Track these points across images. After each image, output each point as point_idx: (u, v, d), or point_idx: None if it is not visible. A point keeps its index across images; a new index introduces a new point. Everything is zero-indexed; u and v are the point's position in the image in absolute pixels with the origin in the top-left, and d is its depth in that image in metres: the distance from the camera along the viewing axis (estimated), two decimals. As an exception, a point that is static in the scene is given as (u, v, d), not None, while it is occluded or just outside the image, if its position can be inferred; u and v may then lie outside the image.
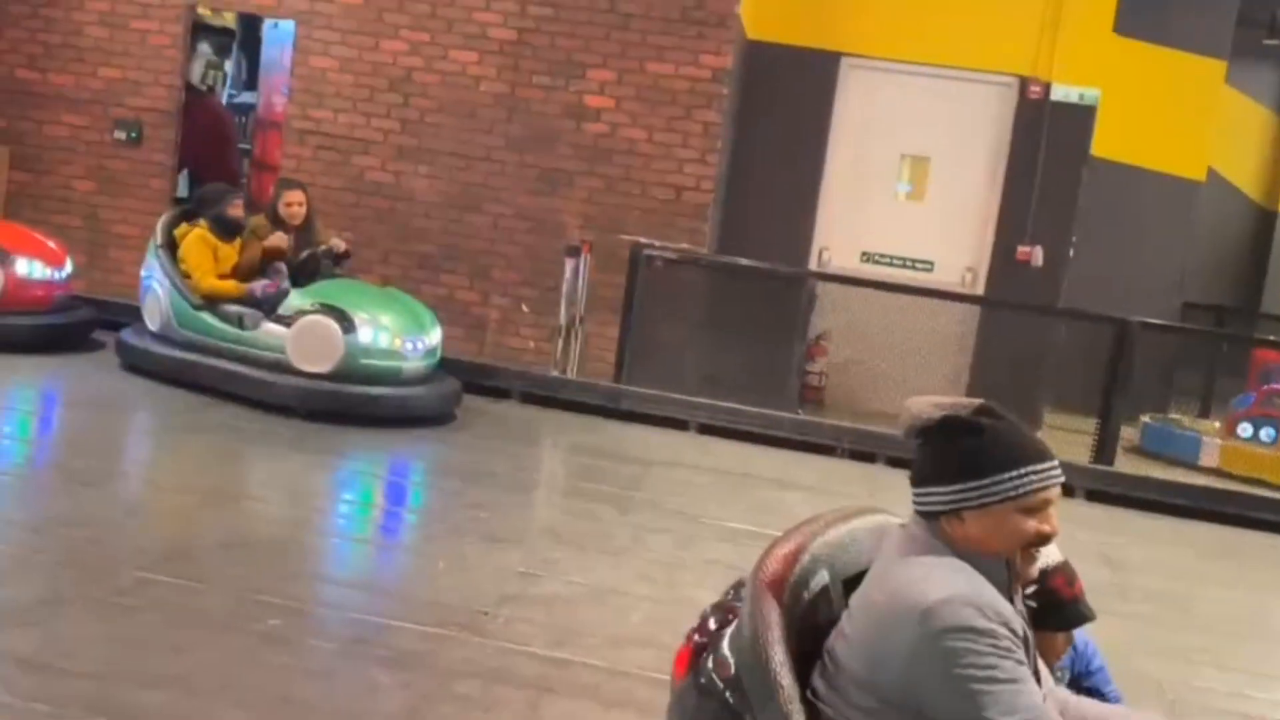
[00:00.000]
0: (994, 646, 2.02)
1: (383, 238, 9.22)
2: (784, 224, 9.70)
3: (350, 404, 7.00)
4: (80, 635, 3.79)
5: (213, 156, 10.13)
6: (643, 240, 8.74)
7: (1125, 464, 8.49)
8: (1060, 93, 9.36)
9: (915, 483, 2.22)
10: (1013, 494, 2.14)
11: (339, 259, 7.64)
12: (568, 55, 8.98)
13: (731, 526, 6.03)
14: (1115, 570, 6.39)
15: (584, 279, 8.65)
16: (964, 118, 9.66)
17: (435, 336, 7.52)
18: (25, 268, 7.85)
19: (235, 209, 7.60)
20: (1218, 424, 9.68)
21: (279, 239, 7.56)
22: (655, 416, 8.15)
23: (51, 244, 8.24)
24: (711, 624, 2.37)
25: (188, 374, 7.30)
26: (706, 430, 8.13)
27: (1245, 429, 9.29)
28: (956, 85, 9.60)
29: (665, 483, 6.81)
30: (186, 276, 7.50)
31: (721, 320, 9.03)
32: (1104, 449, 8.15)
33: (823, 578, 2.26)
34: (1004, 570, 2.20)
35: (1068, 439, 9.06)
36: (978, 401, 2.23)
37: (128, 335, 7.71)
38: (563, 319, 8.53)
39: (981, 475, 2.15)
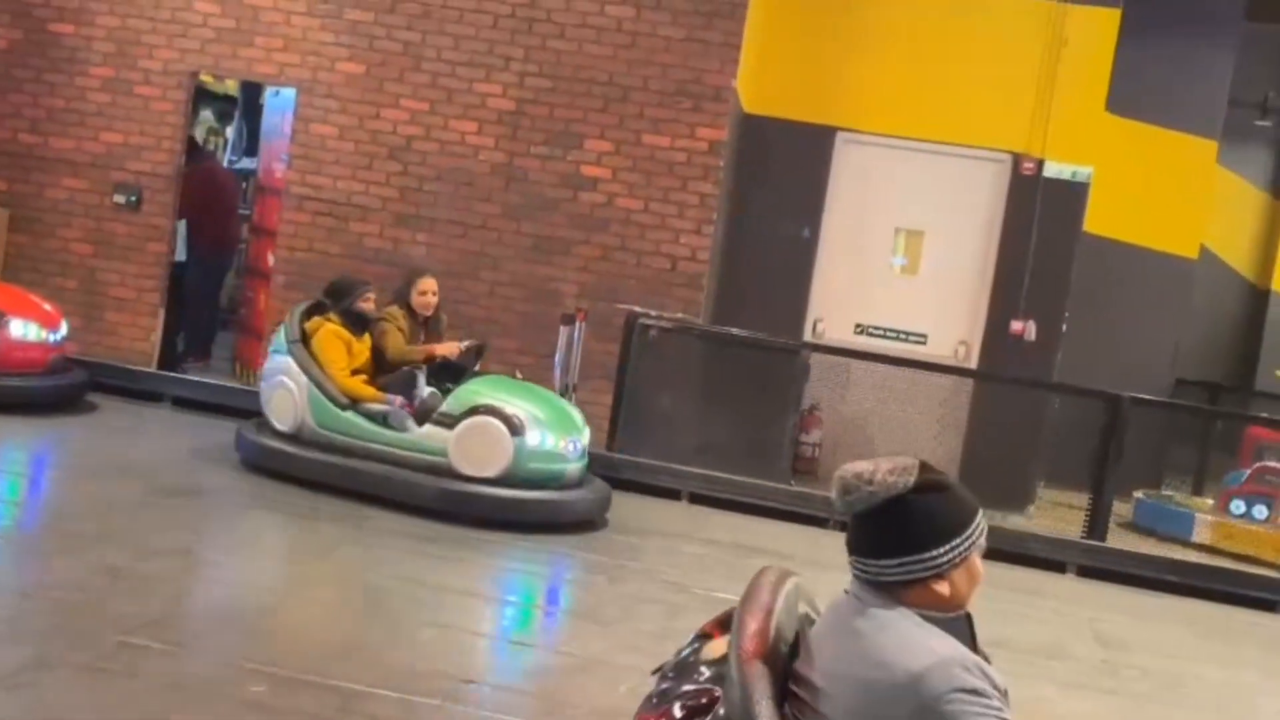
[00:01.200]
0: (987, 706, 2.05)
1: (380, 305, 9.23)
2: (778, 295, 9.75)
3: (511, 509, 6.65)
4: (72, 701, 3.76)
5: (213, 221, 10.20)
6: (638, 309, 8.78)
7: (1118, 539, 8.47)
8: (1053, 170, 9.45)
9: (878, 553, 2.18)
10: (979, 539, 2.20)
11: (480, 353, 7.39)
12: (565, 126, 9.08)
13: (721, 597, 5.97)
14: (1107, 647, 6.36)
15: (579, 347, 8.67)
16: (958, 193, 9.74)
17: (586, 436, 7.24)
18: (20, 329, 7.87)
19: (367, 302, 7.19)
20: (1210, 501, 9.68)
21: (451, 348, 7.20)
22: (647, 485, 8.13)
23: (47, 306, 8.27)
24: (677, 711, 2.35)
25: (327, 476, 6.82)
26: (698, 500, 8.11)
27: (1238, 506, 9.29)
28: (950, 161, 9.70)
29: (658, 553, 6.79)
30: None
31: (715, 390, 9.04)
32: (1096, 524, 8.14)
33: (787, 637, 2.28)
34: (964, 624, 2.22)
35: (1061, 514, 9.07)
36: (913, 460, 2.22)
37: (249, 432, 7.20)
38: (557, 386, 8.53)
39: (964, 528, 2.18)
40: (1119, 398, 8.21)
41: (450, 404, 6.83)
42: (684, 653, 2.45)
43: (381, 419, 6.90)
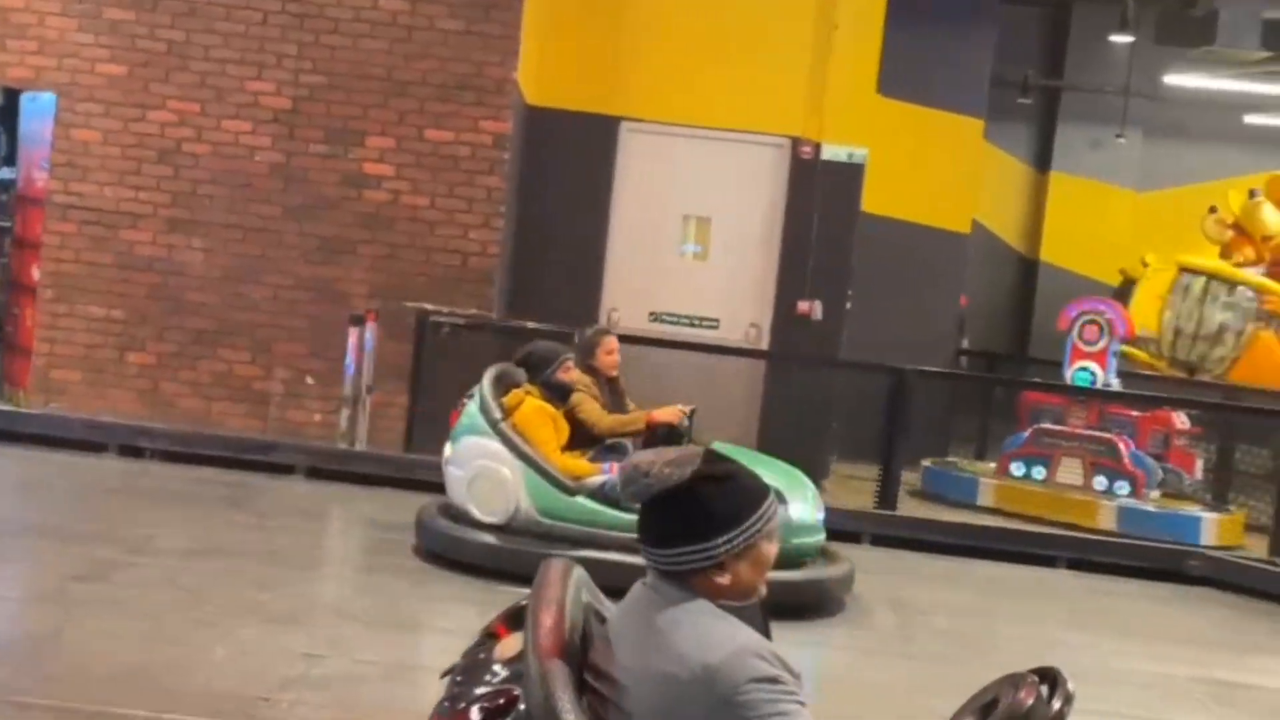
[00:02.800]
0: (784, 692, 2.08)
1: (156, 314, 8.88)
2: (572, 286, 9.74)
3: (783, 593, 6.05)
4: None
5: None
6: (429, 307, 8.65)
7: (908, 507, 8.77)
8: (830, 152, 9.70)
9: (661, 543, 2.20)
10: (766, 526, 2.21)
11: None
12: (344, 123, 8.87)
13: (525, 590, 5.94)
14: (901, 613, 6.57)
15: (370, 348, 8.50)
16: (741, 178, 9.92)
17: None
18: None
19: (568, 372, 6.33)
20: (993, 465, 10.10)
21: (672, 413, 6.31)
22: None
23: None
24: (474, 715, 2.30)
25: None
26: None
27: (1018, 468, 9.72)
28: (732, 146, 9.86)
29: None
30: None
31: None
32: (887, 494, 8.41)
33: (579, 629, 2.27)
34: (758, 610, 2.26)
35: (854, 486, 9.32)
36: (699, 449, 2.27)
37: (435, 520, 6.34)
38: (348, 390, 8.35)
39: (741, 520, 2.19)
40: (903, 371, 8.49)
41: None
42: (472, 653, 2.41)
43: (611, 499, 5.95)
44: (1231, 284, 12.45)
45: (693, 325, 9.92)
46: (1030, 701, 2.20)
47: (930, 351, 10.38)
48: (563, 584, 2.35)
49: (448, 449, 6.43)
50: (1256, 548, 8.62)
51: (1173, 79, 13.78)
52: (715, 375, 9.45)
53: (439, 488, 7.95)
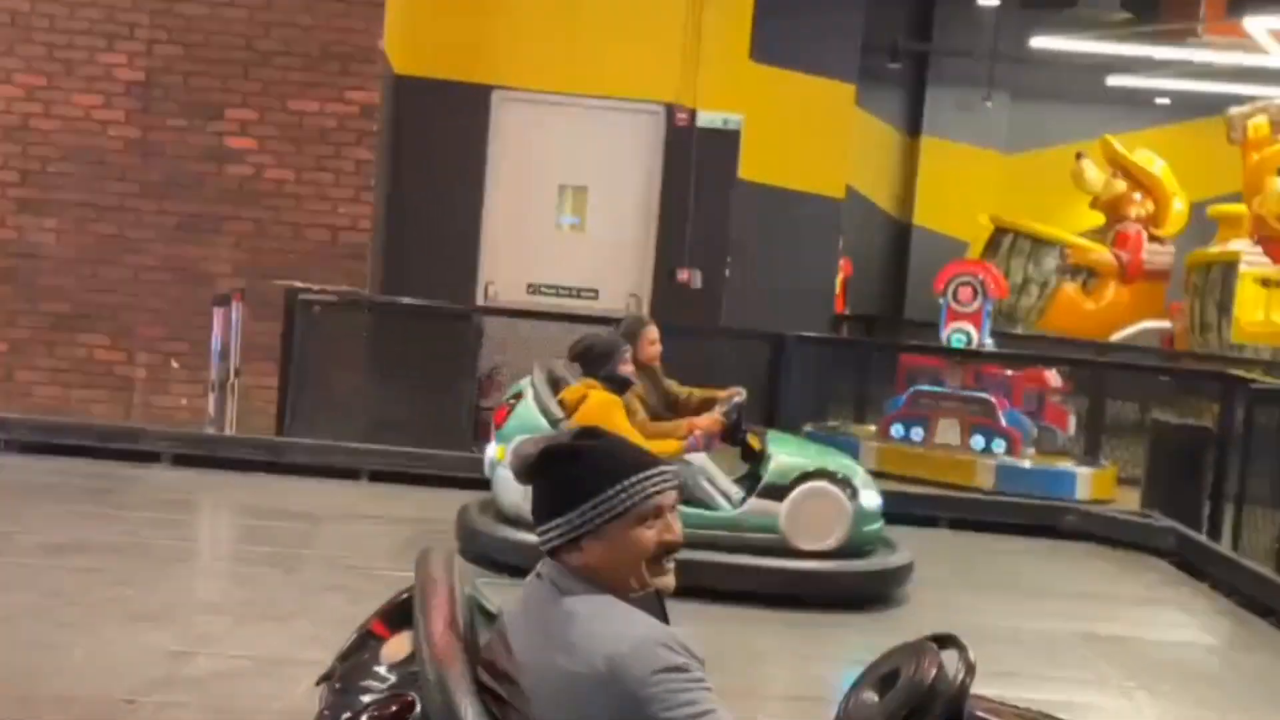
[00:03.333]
0: (691, 680, 2.00)
1: (8, 299, 8.45)
2: (448, 260, 9.54)
3: (850, 587, 5.94)
4: None
5: None
6: (299, 285, 8.37)
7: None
8: (705, 119, 9.63)
9: (537, 521, 2.16)
10: (620, 509, 2.09)
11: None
12: (203, 95, 8.52)
13: (408, 576, 5.78)
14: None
15: (238, 329, 8.20)
16: (616, 147, 9.80)
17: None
18: None
19: (627, 365, 5.96)
20: (873, 427, 10.17)
21: (713, 423, 6.03)
22: (323, 467, 7.78)
23: None
24: None
25: None
26: (379, 478, 7.83)
27: (897, 430, 9.80)
28: (607, 115, 9.73)
29: (336, 537, 6.50)
30: None
31: (389, 363, 8.75)
32: (771, 461, 8.38)
33: (468, 619, 2.15)
34: (655, 599, 2.17)
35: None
36: (575, 430, 2.25)
37: (482, 523, 6.04)
38: (215, 373, 8.05)
39: (588, 497, 2.10)
40: (782, 337, 8.48)
41: (774, 475, 5.96)
42: (351, 656, 2.26)
43: (719, 497, 5.90)
44: (1035, 239, 12.88)
45: (572, 296, 9.79)
46: (933, 673, 2.14)
47: (809, 316, 10.39)
48: (449, 577, 2.21)
49: (493, 450, 6.12)
50: (1127, 500, 8.81)
51: (1038, 42, 14.01)
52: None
53: (313, 470, 7.77)
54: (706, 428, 6.01)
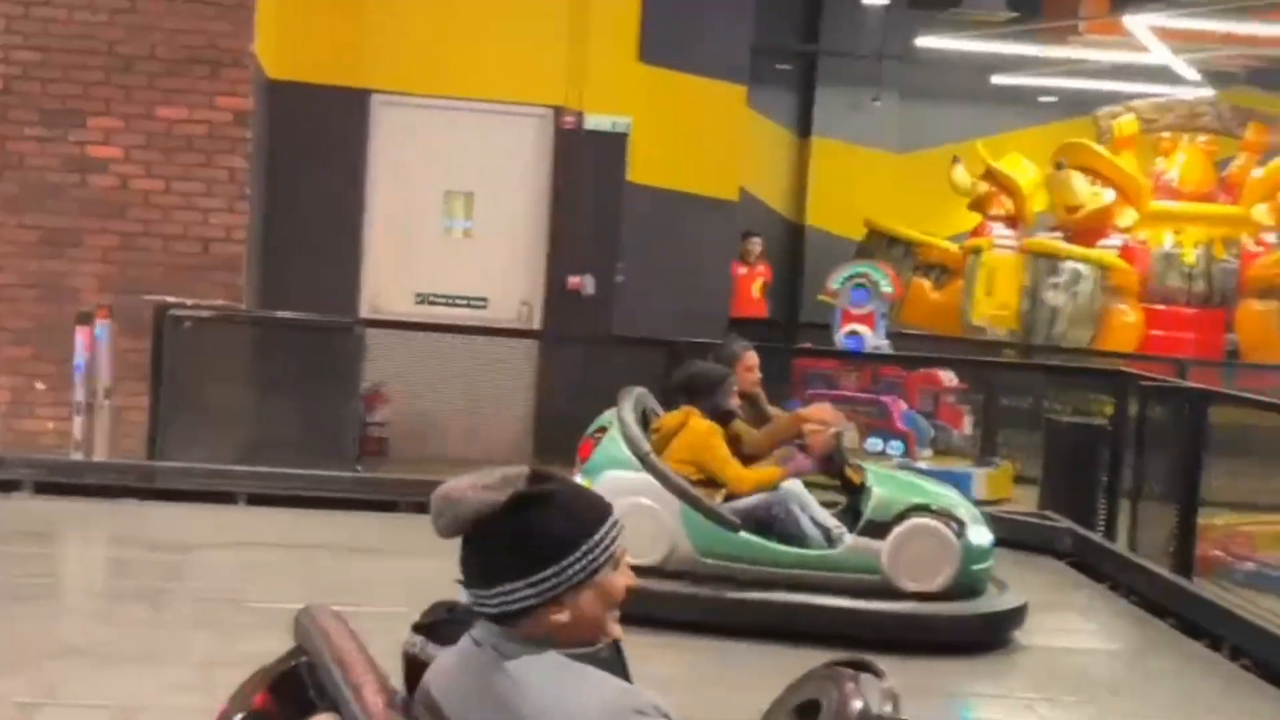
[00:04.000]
0: None
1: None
2: (329, 271, 9.20)
3: (961, 630, 5.57)
4: None
5: None
6: (170, 300, 7.99)
7: (690, 483, 8.59)
8: (593, 122, 9.43)
9: (483, 584, 1.85)
10: (607, 552, 1.87)
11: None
12: (63, 102, 8.09)
13: (286, 608, 5.47)
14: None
15: (106, 348, 7.79)
16: (503, 151, 9.55)
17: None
18: None
19: (733, 397, 5.73)
20: (771, 432, 10.04)
21: (827, 414, 5.77)
22: (198, 492, 7.40)
23: None
24: None
25: (721, 615, 5.42)
26: (258, 501, 7.48)
27: (795, 435, 9.68)
28: (492, 119, 9.48)
29: (210, 568, 6.15)
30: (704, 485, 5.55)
31: (268, 380, 8.41)
32: (667, 471, 8.20)
33: None
34: (616, 652, 1.93)
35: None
36: (524, 469, 1.90)
37: None
38: (80, 394, 7.63)
39: (577, 545, 1.84)
40: (675, 344, 8.30)
41: (875, 510, 5.55)
42: None
43: (822, 537, 5.55)
44: (893, 239, 13.15)
45: (461, 305, 9.52)
46: (859, 706, 1.93)
47: (704, 321, 10.23)
48: (354, 639, 1.94)
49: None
50: (1023, 498, 8.80)
51: (924, 41, 14.05)
52: (488, 357, 9.09)
53: (187, 496, 7.38)
54: (797, 472, 5.64)
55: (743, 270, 12.91)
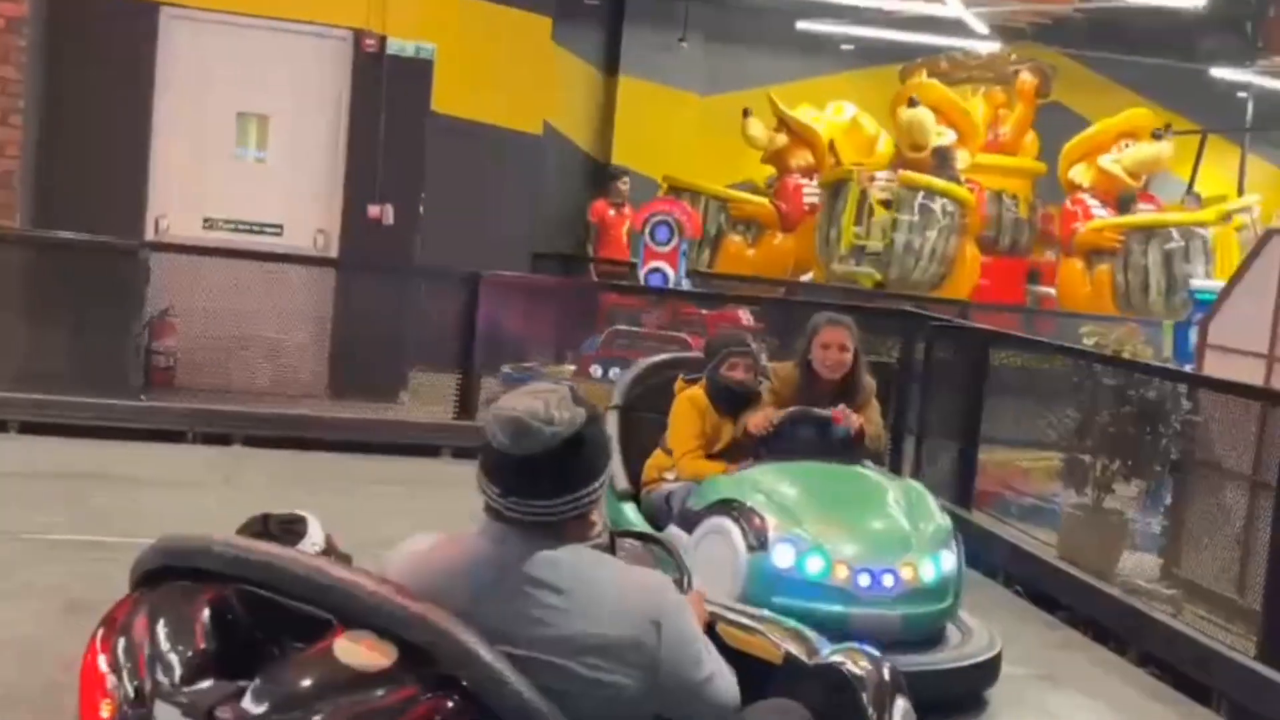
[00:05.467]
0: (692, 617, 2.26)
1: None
2: (112, 191, 8.74)
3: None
4: None
5: None
6: (-66, 217, 7.49)
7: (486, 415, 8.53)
8: (395, 46, 9.17)
9: (554, 493, 2.13)
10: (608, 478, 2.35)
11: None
12: None
13: (60, 539, 5.25)
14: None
15: None
16: (301, 73, 9.21)
17: (929, 565, 4.57)
18: None
19: (734, 370, 5.04)
20: (572, 367, 10.08)
21: (760, 421, 4.86)
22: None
23: None
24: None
25: None
26: (30, 430, 7.13)
27: (596, 369, 9.74)
28: (290, 39, 9.13)
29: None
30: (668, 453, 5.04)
31: (44, 304, 7.97)
32: (466, 404, 8.15)
33: None
34: (609, 543, 2.44)
35: (434, 397, 9.00)
36: (563, 388, 2.24)
37: None
38: None
39: (609, 457, 2.25)
40: (478, 276, 8.22)
41: (693, 497, 4.77)
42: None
43: (678, 513, 4.78)
44: (693, 194, 13.32)
45: (254, 232, 9.19)
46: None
47: (506, 255, 10.14)
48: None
49: None
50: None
51: (731, -16, 14.12)
52: (282, 286, 8.81)
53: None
54: (757, 429, 4.90)
55: (611, 212, 12.54)
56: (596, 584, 2.10)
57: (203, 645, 2.03)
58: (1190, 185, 13.97)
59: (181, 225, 8.99)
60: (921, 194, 11.96)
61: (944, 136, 12.53)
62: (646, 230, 10.27)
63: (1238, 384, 6.01)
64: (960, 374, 7.65)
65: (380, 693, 1.91)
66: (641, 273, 10.28)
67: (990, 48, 14.21)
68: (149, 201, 8.96)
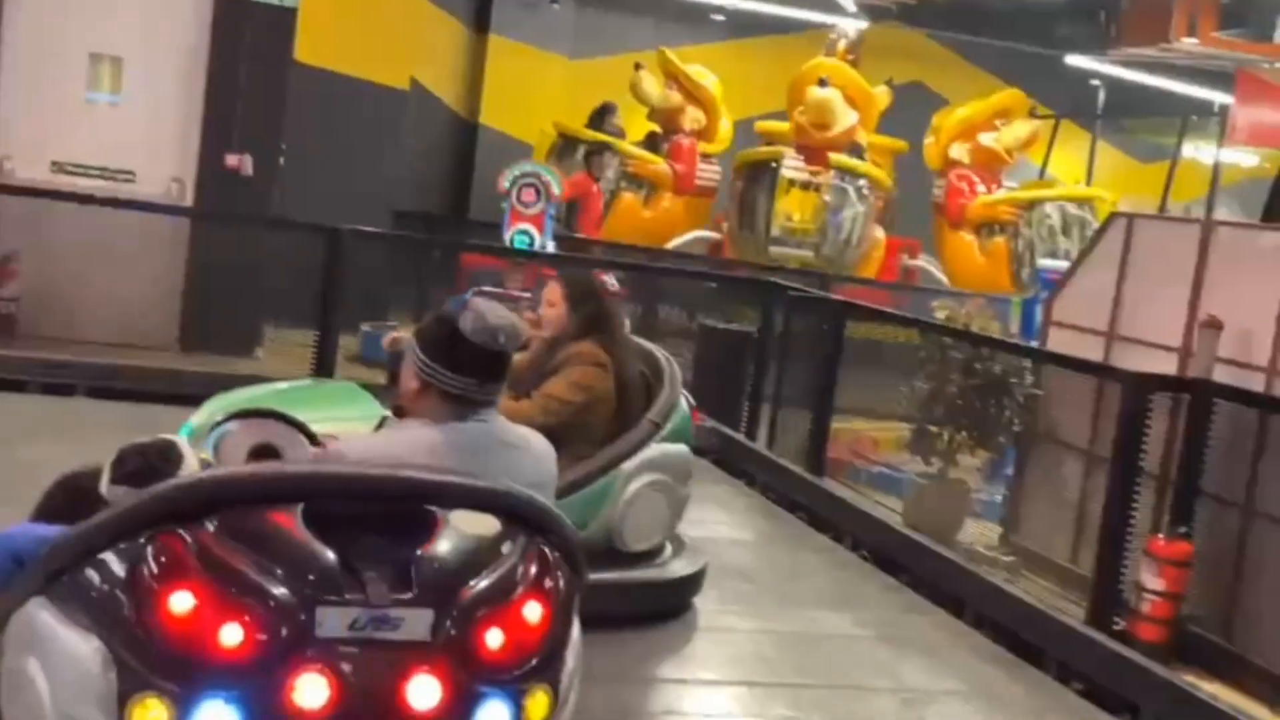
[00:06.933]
0: None
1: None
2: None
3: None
4: None
5: None
6: None
7: (348, 372, 8.42)
8: (256, -8, 8.94)
9: (502, 381, 2.80)
10: None
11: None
12: None
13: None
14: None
15: None
16: (157, 14, 8.91)
17: None
18: None
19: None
20: (433, 327, 9.98)
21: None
22: None
23: None
24: None
25: None
26: None
27: (457, 331, 9.67)
28: (147, -21, 8.84)
29: None
30: None
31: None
32: (324, 361, 8.02)
33: None
34: None
35: (291, 354, 8.84)
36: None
37: None
38: None
39: None
40: (338, 231, 8.07)
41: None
42: None
43: None
44: (575, 141, 13.28)
45: (105, 178, 8.88)
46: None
47: (367, 212, 9.99)
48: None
49: None
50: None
51: (604, -53, 14.06)
52: (133, 235, 8.55)
53: None
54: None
55: (595, 188, 12.22)
56: (528, 439, 2.82)
57: (328, 555, 2.17)
58: (1043, 170, 14.44)
59: (27, 167, 8.65)
60: (845, 176, 12.22)
61: (850, 116, 12.77)
62: (514, 192, 10.21)
63: (1078, 359, 6.24)
64: (816, 343, 7.80)
65: (508, 546, 2.34)
66: (506, 234, 10.23)
67: (858, 25, 14.43)
68: (-8, 141, 8.60)
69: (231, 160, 8.99)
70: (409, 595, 2.18)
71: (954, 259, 13.08)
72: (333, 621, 2.11)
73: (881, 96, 13.44)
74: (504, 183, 10.30)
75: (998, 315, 8.28)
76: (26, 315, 8.45)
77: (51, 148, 8.77)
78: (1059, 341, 6.98)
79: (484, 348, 2.66)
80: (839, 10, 14.35)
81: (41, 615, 2.26)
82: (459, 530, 2.30)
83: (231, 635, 2.07)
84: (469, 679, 2.20)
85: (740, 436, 8.09)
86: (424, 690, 2.15)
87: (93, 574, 2.22)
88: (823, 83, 12.68)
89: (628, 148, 13.54)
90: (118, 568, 2.19)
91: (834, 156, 12.47)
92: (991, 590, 5.60)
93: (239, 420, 3.09)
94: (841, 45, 13.55)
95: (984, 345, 6.63)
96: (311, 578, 2.14)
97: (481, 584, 2.25)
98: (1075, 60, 15.27)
